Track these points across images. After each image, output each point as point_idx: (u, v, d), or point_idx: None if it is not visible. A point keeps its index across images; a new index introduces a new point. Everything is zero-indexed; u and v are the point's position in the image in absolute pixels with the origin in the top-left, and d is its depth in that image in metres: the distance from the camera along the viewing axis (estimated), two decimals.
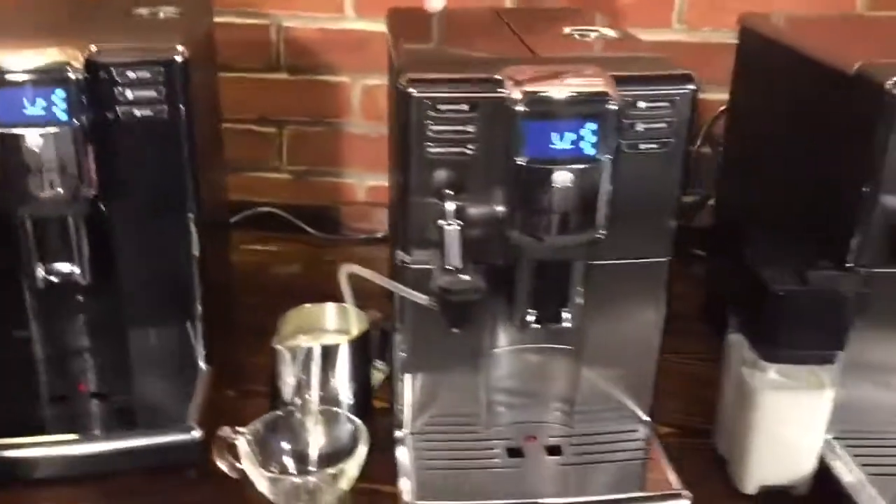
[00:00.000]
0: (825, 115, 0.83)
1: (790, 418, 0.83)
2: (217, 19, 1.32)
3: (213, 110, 1.10)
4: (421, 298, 0.76)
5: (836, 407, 0.86)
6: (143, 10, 0.98)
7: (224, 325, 1.08)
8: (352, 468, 0.80)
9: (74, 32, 0.85)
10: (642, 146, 0.76)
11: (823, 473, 0.85)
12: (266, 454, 0.83)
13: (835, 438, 0.87)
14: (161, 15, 0.97)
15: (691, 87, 0.75)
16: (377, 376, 0.96)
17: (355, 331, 0.90)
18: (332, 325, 0.94)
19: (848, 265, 0.81)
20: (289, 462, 0.84)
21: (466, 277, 0.73)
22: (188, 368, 0.97)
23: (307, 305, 0.94)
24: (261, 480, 0.79)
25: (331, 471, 0.80)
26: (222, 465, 0.82)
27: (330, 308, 0.94)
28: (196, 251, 0.92)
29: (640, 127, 0.75)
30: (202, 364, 0.97)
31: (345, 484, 0.81)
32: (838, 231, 0.82)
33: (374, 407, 0.95)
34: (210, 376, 0.97)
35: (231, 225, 1.32)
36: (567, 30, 0.92)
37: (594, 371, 0.87)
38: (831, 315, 0.78)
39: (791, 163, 0.94)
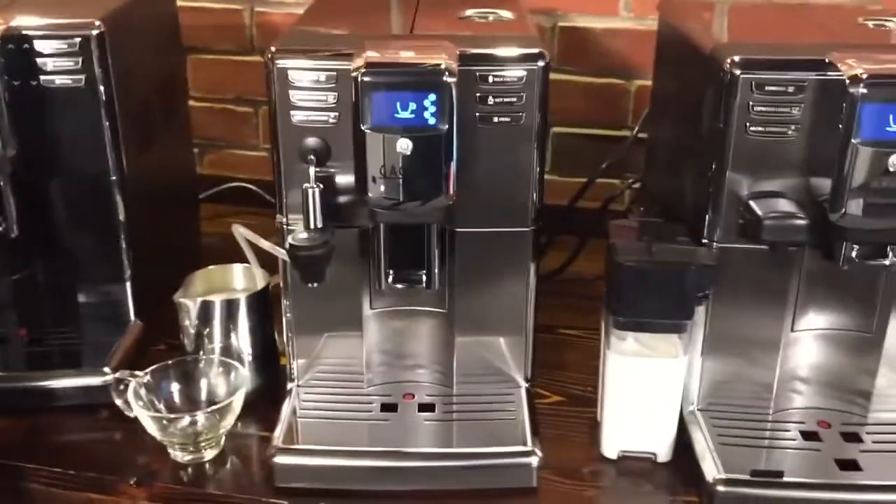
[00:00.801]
0: (696, 97, 0.86)
1: (645, 385, 0.86)
2: (195, 4, 1.42)
3: (164, 86, 1.18)
4: (283, 254, 0.83)
5: (703, 380, 0.90)
6: None
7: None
8: (226, 411, 0.87)
9: (7, 8, 0.93)
10: (495, 119, 0.81)
11: (685, 442, 0.88)
12: (159, 397, 0.91)
13: (700, 410, 0.90)
14: None
15: (540, 64, 0.80)
16: None
17: (256, 289, 0.96)
18: (240, 284, 1.01)
19: (704, 241, 0.84)
20: (181, 406, 0.92)
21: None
22: (121, 322, 1.05)
23: (213, 266, 1.01)
24: (144, 418, 0.87)
25: (205, 410, 0.87)
26: (118, 403, 0.90)
27: (237, 269, 1.01)
28: (122, 216, 1.01)
29: (491, 101, 0.80)
30: (132, 318, 1.05)
31: (222, 426, 0.88)
32: (697, 209, 0.85)
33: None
34: (139, 329, 1.05)
35: (198, 197, 1.41)
36: (468, 12, 0.97)
37: (469, 336, 0.92)
38: (676, 286, 0.81)
39: (679, 146, 0.97)
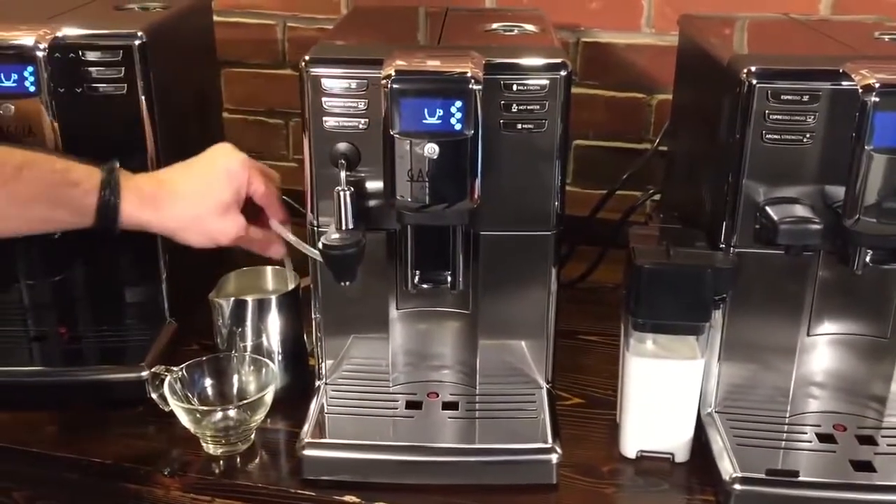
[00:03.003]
0: (715, 107, 0.88)
1: (663, 387, 0.88)
2: (231, 19, 1.47)
3: (200, 97, 1.23)
4: (314, 253, 0.86)
5: (720, 384, 0.92)
6: (134, 5, 1.12)
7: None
8: (256, 406, 0.90)
9: (56, 20, 0.98)
10: (519, 126, 0.84)
11: (702, 443, 0.90)
12: (193, 392, 0.95)
13: (717, 412, 0.92)
14: (149, 8, 1.11)
15: (562, 73, 0.83)
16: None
17: (286, 289, 1.00)
18: (271, 286, 1.05)
19: (721, 246, 0.86)
20: (214, 401, 0.95)
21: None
22: (156, 322, 1.09)
23: (245, 268, 1.04)
24: (179, 411, 0.90)
25: (236, 404, 0.91)
26: (154, 397, 0.94)
27: (269, 271, 1.05)
28: None
29: (515, 108, 0.83)
30: (167, 318, 1.09)
31: (253, 420, 0.91)
32: (714, 215, 0.87)
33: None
34: (173, 329, 1.09)
35: None
36: (494, 26, 1.01)
37: (492, 337, 0.94)
38: (693, 288, 0.83)
39: (698, 156, 0.99)
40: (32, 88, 0.92)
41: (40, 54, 0.91)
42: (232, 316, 0.98)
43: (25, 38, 0.91)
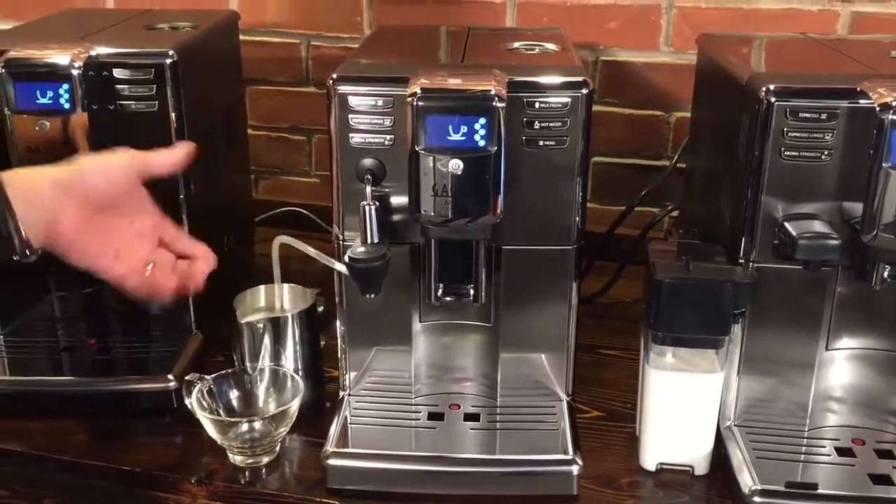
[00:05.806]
0: (733, 125, 0.90)
1: (683, 400, 0.89)
2: (256, 38, 1.50)
3: (226, 114, 1.26)
4: (340, 267, 0.88)
5: (740, 397, 0.93)
6: (164, 25, 1.15)
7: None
8: (282, 418, 0.92)
9: (89, 39, 1.01)
10: (541, 142, 0.86)
11: (722, 456, 0.91)
12: (220, 403, 0.96)
13: (737, 426, 0.93)
14: (179, 28, 1.14)
15: (584, 91, 0.85)
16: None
17: (303, 306, 1.01)
18: (288, 301, 1.06)
19: (740, 261, 0.88)
20: (240, 413, 0.97)
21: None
22: (183, 333, 1.11)
23: (262, 286, 1.05)
24: (206, 422, 0.92)
25: (263, 416, 0.92)
26: (188, 403, 0.95)
27: (285, 288, 1.05)
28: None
29: (537, 125, 0.85)
30: (194, 330, 1.12)
31: (278, 432, 0.93)
32: (733, 231, 0.89)
33: (328, 375, 1.07)
34: (199, 341, 1.11)
35: (254, 220, 1.47)
36: (515, 44, 1.03)
37: (513, 351, 0.96)
38: (713, 302, 0.84)
39: (716, 173, 1.01)
40: (67, 106, 0.94)
41: (75, 72, 0.94)
42: (250, 335, 0.99)
43: (61, 57, 0.94)
